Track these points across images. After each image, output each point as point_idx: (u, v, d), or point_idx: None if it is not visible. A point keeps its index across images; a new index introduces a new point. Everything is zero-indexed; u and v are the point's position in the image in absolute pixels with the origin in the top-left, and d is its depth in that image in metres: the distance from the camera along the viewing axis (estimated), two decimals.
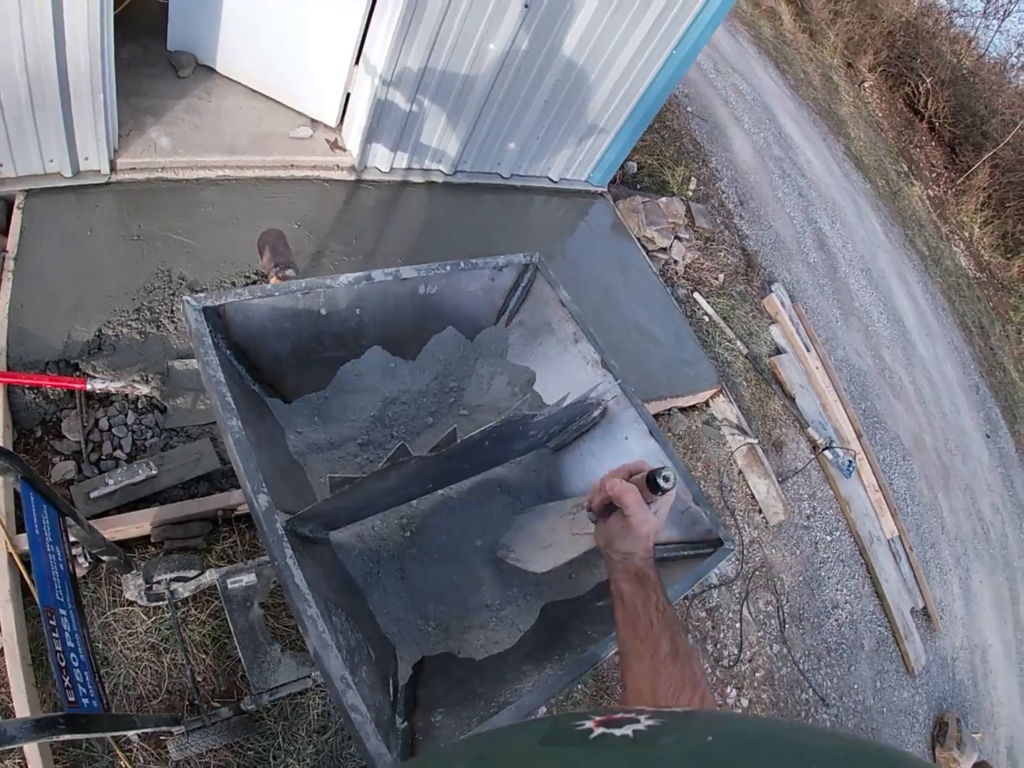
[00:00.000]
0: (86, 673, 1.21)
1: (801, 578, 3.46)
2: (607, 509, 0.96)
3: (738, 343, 3.93)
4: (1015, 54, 11.52)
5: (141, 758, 1.86)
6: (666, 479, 0.89)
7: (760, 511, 3.42)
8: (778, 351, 4.19)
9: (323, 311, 1.16)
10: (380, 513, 1.18)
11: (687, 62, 3.34)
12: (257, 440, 1.01)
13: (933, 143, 10.09)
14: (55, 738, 1.01)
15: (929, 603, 4.00)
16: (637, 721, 0.45)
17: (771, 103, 6.93)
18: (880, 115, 9.73)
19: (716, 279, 4.22)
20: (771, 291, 4.46)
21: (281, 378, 1.22)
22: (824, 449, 3.86)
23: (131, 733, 1.33)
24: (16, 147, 2.37)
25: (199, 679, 2.01)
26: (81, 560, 1.92)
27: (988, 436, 6.03)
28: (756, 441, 3.46)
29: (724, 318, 4.00)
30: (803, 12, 10.13)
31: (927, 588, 4.05)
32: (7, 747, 0.94)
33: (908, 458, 4.76)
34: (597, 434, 1.34)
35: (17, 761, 1.71)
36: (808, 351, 4.27)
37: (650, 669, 0.82)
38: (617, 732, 0.44)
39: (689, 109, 5.52)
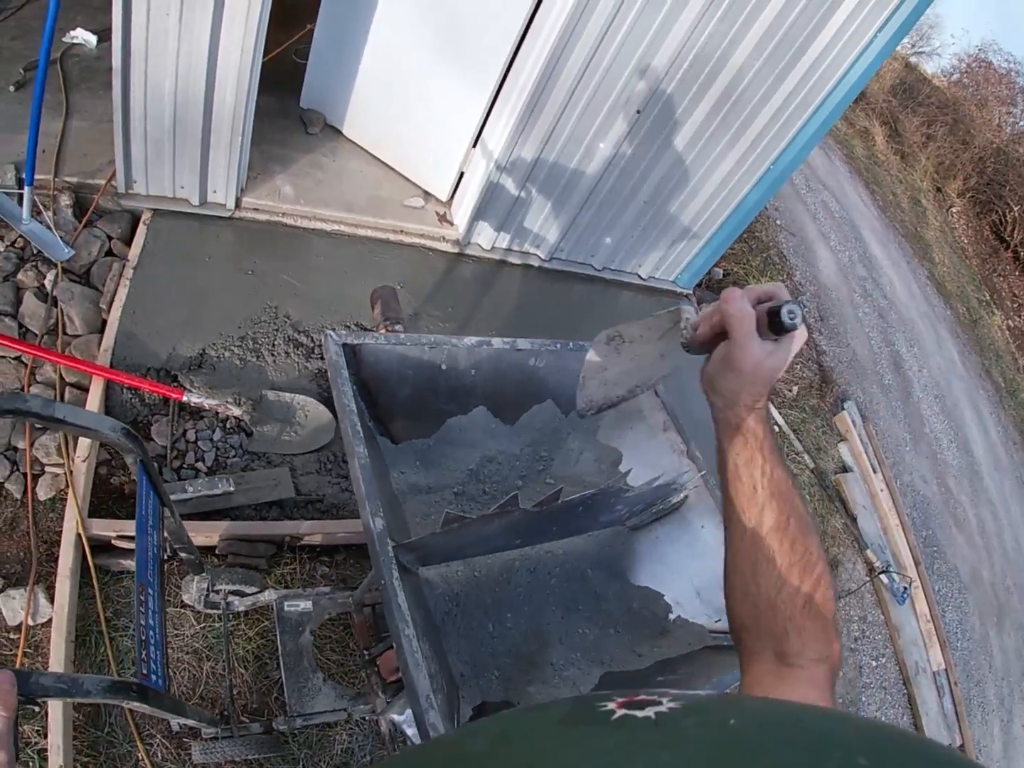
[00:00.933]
0: (158, 652, 1.31)
1: (841, 701, 3.38)
2: (713, 336, 0.79)
3: (806, 456, 4.00)
4: None
5: (159, 754, 1.95)
6: (792, 314, 0.72)
7: None
8: (845, 469, 4.23)
9: (443, 366, 1.33)
10: (466, 559, 1.31)
11: (782, 178, 3.55)
12: (373, 470, 1.15)
13: (1017, 273, 10.07)
14: (124, 703, 1.07)
15: (967, 741, 3.84)
16: (659, 703, 0.45)
17: (858, 222, 7.14)
18: (966, 241, 9.83)
19: (790, 391, 4.33)
20: (843, 409, 4.54)
21: (393, 420, 1.38)
22: (880, 573, 3.86)
23: (176, 720, 1.42)
24: (152, 168, 2.67)
25: (234, 692, 2.09)
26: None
27: None
28: None
29: (794, 430, 4.09)
30: (896, 134, 10.45)
31: (967, 726, 3.89)
32: (82, 700, 1.00)
33: (964, 591, 4.65)
34: (674, 520, 1.45)
35: (37, 728, 1.81)
36: (875, 472, 4.29)
37: (750, 544, 0.73)
38: (639, 714, 0.44)
39: (778, 222, 5.77)
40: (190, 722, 1.51)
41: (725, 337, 0.75)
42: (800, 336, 0.76)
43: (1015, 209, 10.07)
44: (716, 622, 1.35)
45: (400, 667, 0.97)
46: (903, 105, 11.22)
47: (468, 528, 1.07)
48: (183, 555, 1.77)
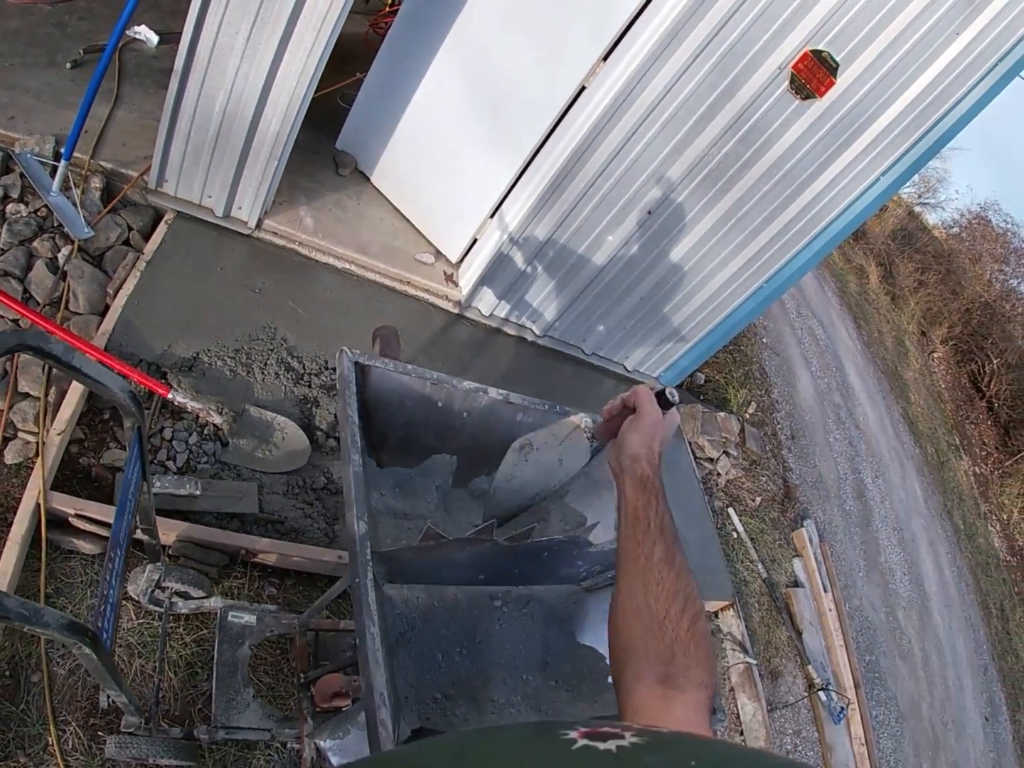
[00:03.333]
0: (112, 614, 1.35)
1: None
2: (612, 424, 1.15)
3: (759, 566, 4.16)
4: None
5: (71, 742, 1.95)
6: (671, 394, 1.09)
7: (742, 732, 3.47)
8: (796, 584, 4.39)
9: (440, 404, 1.48)
10: (428, 586, 1.42)
11: (773, 297, 3.85)
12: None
13: (989, 422, 10.52)
14: (76, 643, 1.10)
15: None
16: (622, 737, 0.47)
17: (841, 353, 7.60)
18: (943, 386, 10.33)
19: (753, 501, 4.53)
20: (802, 526, 4.73)
21: (383, 444, 1.52)
22: (819, 690, 3.95)
23: (111, 689, 1.44)
24: (186, 172, 2.85)
25: (160, 694, 2.09)
26: None
27: (987, 719, 5.91)
28: (755, 663, 3.58)
29: (752, 539, 4.26)
30: (890, 275, 11.14)
31: None
32: (38, 631, 0.98)
33: (901, 721, 4.74)
34: None
35: None
36: (825, 592, 4.45)
37: (643, 570, 0.87)
38: (600, 745, 0.45)
39: (764, 340, 6.16)
40: (122, 698, 1.53)
41: (629, 414, 1.09)
42: (674, 415, 1.11)
43: (994, 362, 10.66)
44: None
45: (360, 663, 1.07)
46: (900, 249, 11.99)
47: (441, 549, 1.20)
48: (145, 537, 1.83)
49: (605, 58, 2.72)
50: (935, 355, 10.85)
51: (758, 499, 4.56)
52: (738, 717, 3.52)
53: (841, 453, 6.13)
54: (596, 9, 2.68)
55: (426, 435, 1.52)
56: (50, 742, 1.92)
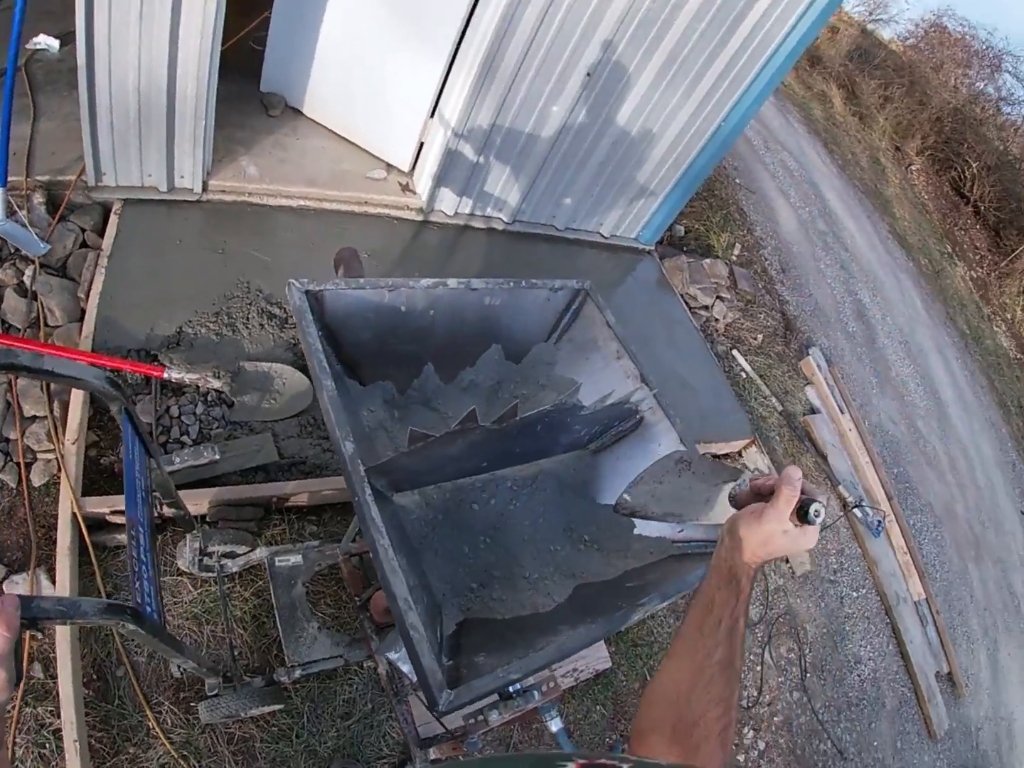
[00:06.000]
0: (151, 586, 1.30)
1: (825, 630, 3.51)
2: (754, 499, 0.96)
3: (773, 400, 4.10)
4: None
5: (169, 720, 1.99)
6: (816, 513, 0.89)
7: (787, 559, 3.51)
8: (812, 411, 4.34)
9: (403, 308, 1.39)
10: (438, 485, 1.37)
11: (735, 133, 3.63)
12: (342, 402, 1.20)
13: (978, 226, 10.32)
14: (118, 622, 1.06)
15: (954, 669, 3.97)
16: None
17: (818, 180, 7.28)
18: (926, 197, 10.02)
19: (755, 339, 4.43)
20: (808, 354, 4.65)
21: (359, 362, 1.43)
22: (854, 507, 3.96)
23: (176, 660, 1.44)
24: (120, 160, 2.70)
25: (235, 652, 2.14)
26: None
27: (1023, 513, 5.99)
28: None
29: (761, 376, 4.19)
30: (853, 96, 10.60)
31: (953, 654, 4.02)
32: (80, 622, 0.97)
33: (939, 526, 4.80)
34: (633, 441, 1.52)
35: (49, 709, 1.86)
36: (842, 413, 4.41)
37: (697, 668, 0.82)
38: None
39: (737, 180, 5.88)
40: (189, 664, 1.55)
41: (765, 498, 0.91)
42: (812, 534, 0.90)
43: (974, 166, 10.31)
44: (679, 532, 1.42)
45: (379, 577, 1.02)
46: (860, 69, 11.37)
47: (433, 447, 1.13)
48: (172, 511, 1.80)
49: None
50: (913, 168, 10.45)
51: (760, 336, 4.46)
52: None
53: (834, 277, 5.98)
54: None
55: (398, 342, 1.43)
56: (151, 725, 1.96)
